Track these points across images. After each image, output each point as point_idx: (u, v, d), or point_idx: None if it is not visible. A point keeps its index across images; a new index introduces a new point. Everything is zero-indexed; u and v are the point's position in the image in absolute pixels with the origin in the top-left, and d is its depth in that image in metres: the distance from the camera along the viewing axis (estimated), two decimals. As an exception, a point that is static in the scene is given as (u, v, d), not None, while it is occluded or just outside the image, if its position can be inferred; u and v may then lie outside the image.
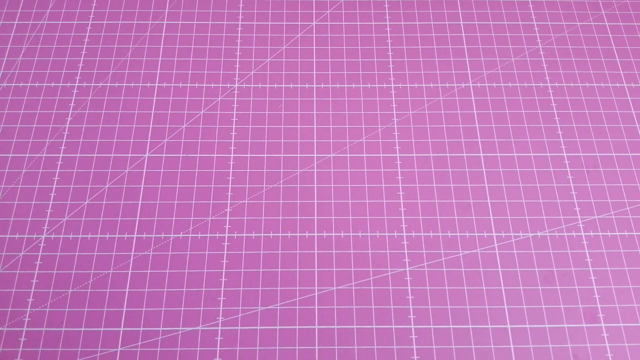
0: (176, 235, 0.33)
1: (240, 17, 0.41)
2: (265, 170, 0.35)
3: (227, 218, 0.33)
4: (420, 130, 0.36)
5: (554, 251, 0.33)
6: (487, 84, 0.38)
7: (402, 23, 0.41)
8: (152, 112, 0.37)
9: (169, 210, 0.34)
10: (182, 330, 0.30)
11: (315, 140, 0.36)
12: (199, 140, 0.36)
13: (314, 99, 0.37)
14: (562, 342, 0.30)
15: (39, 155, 0.35)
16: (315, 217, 0.33)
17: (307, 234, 0.33)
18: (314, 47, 0.40)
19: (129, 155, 0.35)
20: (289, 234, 0.33)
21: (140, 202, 0.34)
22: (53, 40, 0.40)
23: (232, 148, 0.36)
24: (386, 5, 0.41)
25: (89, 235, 0.33)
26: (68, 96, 0.37)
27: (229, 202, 0.34)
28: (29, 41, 0.39)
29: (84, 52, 0.39)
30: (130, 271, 0.32)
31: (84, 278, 0.32)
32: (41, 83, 0.38)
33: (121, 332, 0.30)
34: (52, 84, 0.38)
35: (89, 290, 0.31)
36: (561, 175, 0.35)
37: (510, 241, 0.33)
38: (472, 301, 0.31)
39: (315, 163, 0.35)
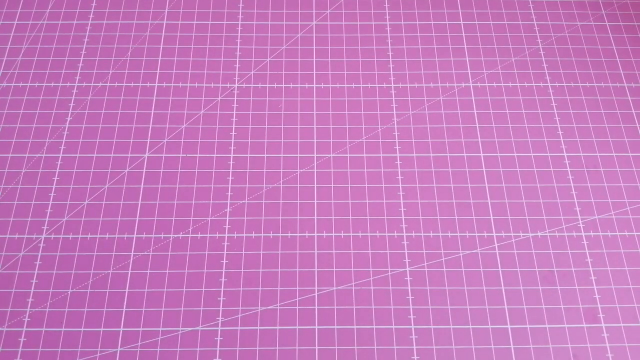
0: (176, 236, 0.33)
1: (240, 16, 0.41)
2: (265, 170, 0.35)
3: (227, 218, 0.33)
4: (420, 130, 0.36)
5: (554, 251, 0.33)
6: (487, 84, 0.38)
7: (402, 23, 0.41)
8: (152, 112, 0.37)
9: (168, 211, 0.34)
10: (181, 330, 0.30)
11: (315, 140, 0.36)
12: (199, 140, 0.36)
13: (314, 98, 0.37)
14: (563, 342, 0.30)
15: (39, 155, 0.35)
16: (315, 217, 0.33)
17: (307, 234, 0.33)
18: (314, 47, 0.39)
19: (129, 155, 0.35)
20: (289, 234, 0.33)
21: (139, 202, 0.34)
22: (53, 40, 0.39)
23: (232, 148, 0.36)
24: (386, 5, 0.41)
25: (89, 236, 0.33)
26: (68, 96, 0.37)
27: (228, 202, 0.34)
28: (29, 41, 0.39)
29: (83, 52, 0.39)
30: (130, 271, 0.32)
31: (83, 278, 0.32)
32: (41, 83, 0.38)
33: (121, 332, 0.30)
34: (52, 84, 0.38)
35: (88, 290, 0.31)
36: (561, 175, 0.35)
37: (511, 241, 0.33)
38: (472, 301, 0.31)
39: (315, 163, 0.35)
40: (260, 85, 0.38)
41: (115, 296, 0.31)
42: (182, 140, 0.36)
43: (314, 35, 0.40)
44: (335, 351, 0.30)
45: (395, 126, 0.36)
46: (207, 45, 0.39)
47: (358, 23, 0.41)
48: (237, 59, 0.39)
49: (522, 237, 0.33)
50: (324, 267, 0.32)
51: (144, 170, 0.35)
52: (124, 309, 0.31)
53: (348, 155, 0.35)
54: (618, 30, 0.40)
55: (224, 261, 0.32)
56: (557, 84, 0.38)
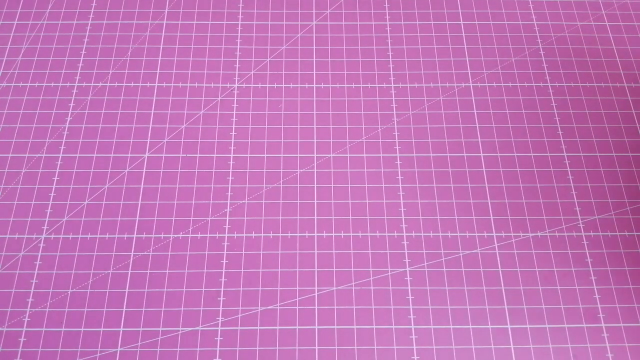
0: (176, 235, 0.33)
1: (240, 17, 0.41)
2: (265, 170, 0.35)
3: (227, 218, 0.33)
4: (420, 130, 0.36)
5: (554, 251, 0.33)
6: (487, 84, 0.38)
7: (402, 23, 0.41)
8: (152, 112, 0.37)
9: (168, 210, 0.34)
10: (182, 330, 0.30)
11: (315, 140, 0.36)
12: (199, 140, 0.36)
13: (314, 99, 0.37)
14: (562, 342, 0.30)
15: (39, 155, 0.35)
16: (315, 217, 0.33)
17: (307, 234, 0.33)
18: (314, 47, 0.39)
19: (129, 155, 0.35)
20: (289, 234, 0.33)
21: (140, 202, 0.34)
22: (53, 40, 0.39)
23: (232, 148, 0.36)
24: (386, 5, 0.41)
25: (89, 236, 0.33)
26: (68, 96, 0.37)
27: (228, 202, 0.34)
28: (29, 41, 0.39)
29: (83, 52, 0.39)
30: (130, 271, 0.32)
31: (83, 278, 0.32)
32: (41, 83, 0.38)
33: (121, 332, 0.30)
34: (52, 84, 0.38)
35: (88, 290, 0.31)
36: (561, 175, 0.35)
37: (511, 241, 0.33)
38: (472, 301, 0.31)
39: (315, 163, 0.35)
40: (260, 85, 0.38)
41: (115, 296, 0.31)
42: (182, 140, 0.36)
43: (314, 35, 0.40)
44: (335, 351, 0.30)
45: (395, 126, 0.37)
46: (207, 45, 0.39)
47: (358, 23, 0.41)
48: (237, 59, 0.39)
49: (522, 237, 0.33)
50: (324, 267, 0.32)
51: (144, 170, 0.35)
52: (124, 309, 0.31)
53: (348, 155, 0.35)
54: (618, 31, 0.40)
55: (224, 261, 0.32)
56: (557, 84, 0.38)
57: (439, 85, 0.38)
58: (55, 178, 0.35)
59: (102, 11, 0.41)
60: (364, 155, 0.35)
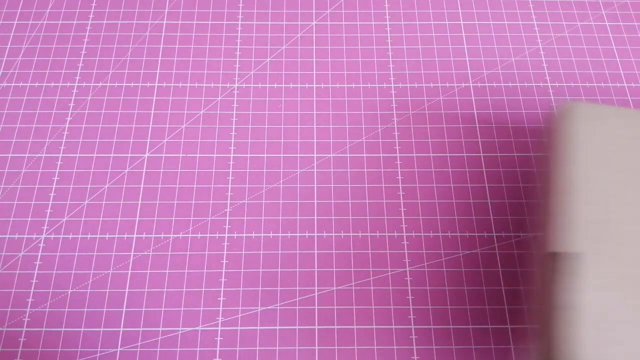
0: (176, 235, 0.33)
1: (240, 16, 0.41)
2: (265, 170, 0.35)
3: (227, 218, 0.33)
4: (420, 130, 0.36)
5: (554, 251, 0.33)
6: (487, 84, 0.38)
7: (402, 23, 0.41)
8: (152, 112, 0.37)
9: (168, 210, 0.34)
10: (182, 330, 0.30)
11: (315, 140, 0.36)
12: (199, 140, 0.36)
13: (314, 98, 0.37)
14: (562, 342, 0.30)
15: (39, 155, 0.35)
16: (315, 217, 0.33)
17: (307, 234, 0.33)
18: (314, 47, 0.39)
19: (129, 155, 0.35)
20: (289, 234, 0.33)
21: (140, 202, 0.34)
22: (53, 40, 0.39)
23: (232, 148, 0.36)
24: (386, 5, 0.41)
25: (89, 235, 0.33)
26: (68, 96, 0.37)
27: (228, 202, 0.34)
28: (29, 41, 0.39)
29: (83, 52, 0.39)
30: (130, 271, 0.32)
31: (83, 278, 0.32)
32: (41, 83, 0.38)
33: (121, 332, 0.30)
34: (52, 84, 0.38)
35: (88, 290, 0.31)
36: (561, 175, 0.35)
37: (511, 241, 0.33)
38: (472, 301, 0.31)
39: (315, 163, 0.35)
40: (260, 85, 0.38)
41: (115, 296, 0.31)
42: (182, 140, 0.36)
43: (314, 35, 0.40)
44: (335, 351, 0.30)
45: (395, 126, 0.37)
46: (207, 45, 0.39)
47: (358, 23, 0.41)
48: (237, 59, 0.39)
49: (522, 237, 0.33)
50: (324, 267, 0.32)
51: (144, 170, 0.35)
52: (124, 309, 0.31)
53: (348, 155, 0.35)
54: (618, 31, 0.40)
55: (224, 261, 0.32)
56: (557, 84, 0.38)
57: (439, 85, 0.38)
58: (55, 178, 0.35)
59: (102, 11, 0.41)
60: (364, 155, 0.35)
